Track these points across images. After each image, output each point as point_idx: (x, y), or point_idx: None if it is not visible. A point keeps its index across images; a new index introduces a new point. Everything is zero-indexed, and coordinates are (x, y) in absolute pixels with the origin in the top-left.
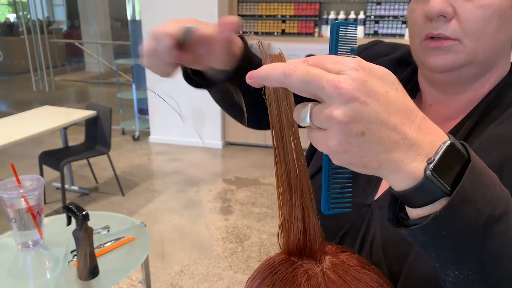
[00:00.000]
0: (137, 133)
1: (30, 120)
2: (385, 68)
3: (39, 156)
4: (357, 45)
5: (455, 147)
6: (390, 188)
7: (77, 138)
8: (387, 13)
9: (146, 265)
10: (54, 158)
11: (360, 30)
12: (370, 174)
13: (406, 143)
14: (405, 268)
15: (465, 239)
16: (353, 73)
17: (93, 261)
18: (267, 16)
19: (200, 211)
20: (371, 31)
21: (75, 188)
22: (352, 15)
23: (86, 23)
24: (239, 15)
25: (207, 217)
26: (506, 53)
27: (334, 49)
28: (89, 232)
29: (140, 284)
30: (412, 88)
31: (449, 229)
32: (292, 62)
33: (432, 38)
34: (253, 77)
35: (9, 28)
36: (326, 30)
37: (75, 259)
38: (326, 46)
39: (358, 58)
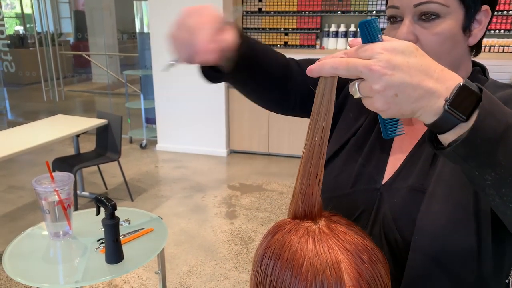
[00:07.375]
0: (144, 142)
1: (45, 128)
2: (406, 42)
3: (52, 162)
4: (381, 32)
5: (466, 87)
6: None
7: (85, 146)
8: (385, 25)
9: (162, 256)
10: (66, 164)
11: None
12: (407, 118)
13: (428, 93)
14: (415, 230)
15: (493, 143)
16: (379, 56)
17: (119, 246)
18: (270, 29)
19: (206, 215)
20: None
21: (85, 193)
22: (352, 28)
23: (93, 35)
24: (243, 28)
25: (213, 221)
26: (465, 60)
27: (364, 40)
28: (116, 220)
29: (156, 273)
30: None
31: (481, 137)
32: (336, 55)
33: None
34: (311, 71)
35: (20, 40)
36: (327, 42)
37: (101, 247)
38: None
39: (382, 42)
